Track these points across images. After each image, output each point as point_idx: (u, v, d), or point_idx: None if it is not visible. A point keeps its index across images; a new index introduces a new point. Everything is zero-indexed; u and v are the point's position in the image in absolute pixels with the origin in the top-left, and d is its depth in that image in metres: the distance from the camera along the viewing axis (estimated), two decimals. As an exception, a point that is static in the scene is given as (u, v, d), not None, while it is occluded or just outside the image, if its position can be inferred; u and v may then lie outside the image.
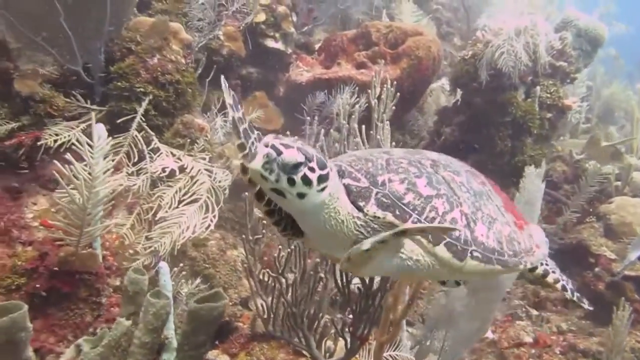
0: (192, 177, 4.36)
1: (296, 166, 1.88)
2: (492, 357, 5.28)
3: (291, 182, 1.91)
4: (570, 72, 7.32)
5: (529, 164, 6.47)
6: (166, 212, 4.07)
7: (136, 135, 4.43)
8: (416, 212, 2.05)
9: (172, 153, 4.47)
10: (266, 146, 1.88)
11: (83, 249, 3.35)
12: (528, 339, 5.53)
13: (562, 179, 7.76)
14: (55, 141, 4.07)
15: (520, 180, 6.39)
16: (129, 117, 4.52)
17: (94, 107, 4.53)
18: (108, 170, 3.18)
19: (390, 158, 2.21)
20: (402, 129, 7.23)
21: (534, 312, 6.11)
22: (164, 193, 4.21)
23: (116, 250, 3.95)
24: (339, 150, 3.81)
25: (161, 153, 4.43)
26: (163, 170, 4.30)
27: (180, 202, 4.19)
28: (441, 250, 2.07)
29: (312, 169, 1.92)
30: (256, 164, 1.87)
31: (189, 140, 4.64)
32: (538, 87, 6.86)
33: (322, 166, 1.96)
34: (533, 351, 5.27)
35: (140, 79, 4.55)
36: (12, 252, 3.75)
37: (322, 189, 1.96)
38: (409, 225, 1.96)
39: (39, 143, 4.09)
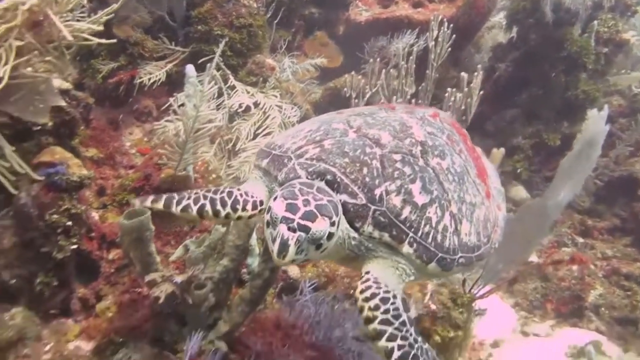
0: (264, 113, 4.90)
1: (324, 233, 1.84)
2: (535, 278, 5.71)
3: (319, 247, 1.88)
4: (631, 5, 7.27)
5: (582, 99, 6.67)
6: (244, 143, 4.65)
7: (215, 74, 4.97)
8: (412, 229, 2.05)
9: (246, 90, 5.01)
10: (292, 230, 1.79)
11: (180, 172, 3.99)
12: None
13: (618, 112, 7.83)
14: (149, 79, 4.67)
15: (573, 115, 6.60)
16: (208, 57, 5.06)
17: (178, 48, 5.10)
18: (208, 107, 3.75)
19: (383, 154, 2.14)
20: (457, 65, 7.47)
21: (580, 240, 6.43)
22: (241, 126, 4.79)
23: (202, 174, 4.60)
24: (397, 87, 4.22)
25: (237, 90, 4.97)
26: (239, 105, 4.86)
27: (255, 134, 4.76)
28: (433, 267, 2.11)
29: (334, 223, 1.89)
30: (291, 256, 1.80)
31: (260, 78, 5.16)
32: (595, 22, 6.90)
33: (337, 210, 1.94)
34: (576, 274, 5.62)
35: (218, 23, 5.06)
36: (117, 174, 4.46)
37: (338, 232, 1.96)
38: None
39: (134, 81, 4.72)
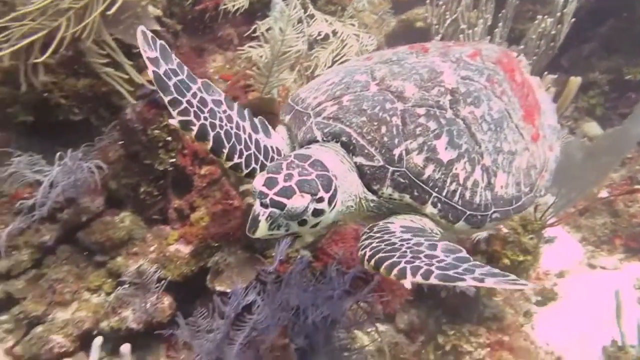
0: (342, 41, 5.00)
1: (304, 209, 1.74)
2: (605, 214, 5.70)
3: (303, 223, 1.78)
4: None
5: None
6: (322, 70, 4.79)
7: (295, 3, 5.07)
8: (436, 189, 1.93)
9: (325, 19, 5.10)
10: (264, 205, 1.71)
11: (265, 95, 4.20)
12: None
13: None
14: (234, 6, 4.84)
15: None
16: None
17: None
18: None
19: (405, 109, 1.99)
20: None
21: (654, 176, 6.30)
22: (320, 54, 4.92)
23: (283, 99, 4.81)
24: (474, 18, 4.17)
25: (316, 19, 5.07)
26: (318, 33, 4.97)
27: (333, 62, 4.89)
28: (460, 226, 1.99)
29: (320, 199, 1.77)
30: (261, 232, 1.72)
31: (339, 7, 5.22)
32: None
33: (329, 185, 1.80)
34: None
35: (298, -49, 5.10)
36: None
37: (334, 206, 1.84)
38: (490, 283, 1.49)
39: (219, 9, 4.89)
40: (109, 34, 3.52)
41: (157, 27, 4.13)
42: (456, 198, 1.95)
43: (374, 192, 1.95)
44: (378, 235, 1.83)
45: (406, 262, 1.62)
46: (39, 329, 3.31)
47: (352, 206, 1.94)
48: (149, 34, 1.85)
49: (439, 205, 1.93)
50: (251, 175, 2.04)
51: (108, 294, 3.56)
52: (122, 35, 3.72)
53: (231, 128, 2.00)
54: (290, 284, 3.20)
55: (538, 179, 2.24)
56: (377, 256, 1.70)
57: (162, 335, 3.39)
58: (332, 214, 1.83)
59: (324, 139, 1.98)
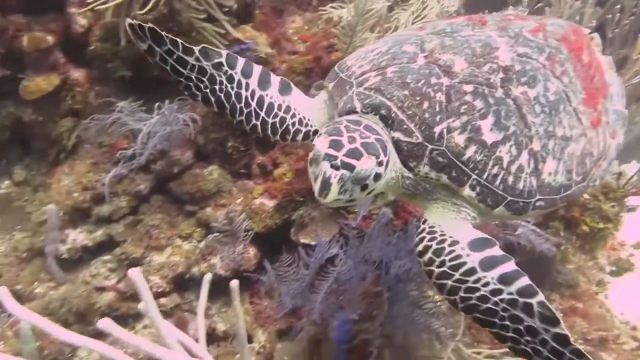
0: (423, 2, 4.96)
1: (370, 172, 1.73)
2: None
3: (364, 188, 1.76)
4: None
5: None
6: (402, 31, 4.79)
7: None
8: (476, 171, 1.85)
9: (405, -21, 5.06)
10: (335, 167, 1.68)
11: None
12: None
13: None
14: (315, -32, 4.88)
15: None
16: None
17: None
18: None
19: (451, 85, 1.90)
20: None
21: None
22: (400, 15, 4.90)
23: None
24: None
25: (396, -21, 5.04)
26: (399, -6, 4.95)
27: (413, 23, 4.87)
28: (499, 211, 1.91)
29: (381, 163, 1.76)
30: (333, 195, 1.70)
31: (420, -33, 5.16)
32: None
33: (385, 149, 1.80)
34: None
35: None
36: (282, 59, 4.82)
37: (387, 172, 1.83)
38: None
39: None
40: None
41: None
42: (497, 182, 1.86)
43: (410, 170, 1.89)
44: (448, 258, 1.80)
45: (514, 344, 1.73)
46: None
47: (393, 178, 1.90)
48: (136, 25, 1.92)
49: (477, 188, 1.86)
50: (253, 130, 2.08)
51: (198, 241, 3.79)
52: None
53: (232, 88, 2.05)
54: (373, 238, 3.31)
55: (593, 167, 2.11)
56: (473, 312, 1.75)
57: (246, 283, 3.61)
58: (383, 181, 1.81)
59: (363, 110, 1.92)
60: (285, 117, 2.12)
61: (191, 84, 2.03)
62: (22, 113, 4.02)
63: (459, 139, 1.84)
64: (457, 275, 1.76)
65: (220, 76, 2.05)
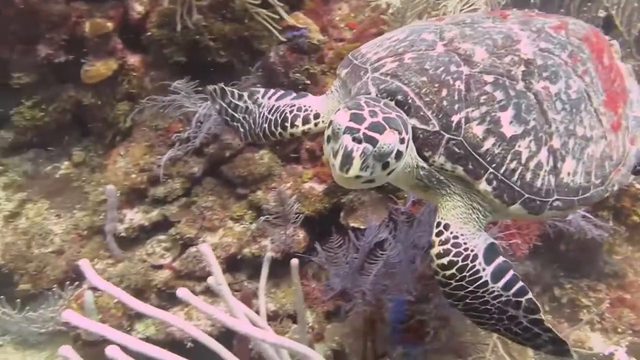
0: (472, -11, 4.93)
1: (392, 149, 1.66)
2: None
3: (386, 166, 1.69)
4: None
5: None
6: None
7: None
8: (494, 164, 1.79)
9: (454, -34, 5.04)
10: (357, 140, 1.62)
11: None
12: None
13: None
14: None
15: None
16: None
17: None
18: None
19: (471, 75, 1.84)
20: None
21: None
22: (448, 2, 4.89)
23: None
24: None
25: (445, -34, 5.02)
26: (448, -18, 4.93)
27: (460, 11, 4.85)
28: (516, 209, 1.85)
29: (403, 140, 1.70)
30: (355, 170, 1.63)
31: (469, -46, 5.13)
32: None
33: (406, 127, 1.74)
34: None
35: None
36: (329, 46, 4.86)
37: (407, 153, 1.76)
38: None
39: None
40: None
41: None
42: (515, 178, 1.81)
43: (424, 160, 1.83)
44: (468, 274, 1.83)
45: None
46: (192, 249, 3.71)
47: (409, 165, 1.83)
48: (210, 90, 2.44)
49: (494, 182, 1.80)
50: (265, 135, 2.29)
51: (250, 223, 3.90)
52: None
53: (244, 119, 2.38)
54: (422, 222, 3.36)
55: (612, 172, 2.05)
56: (468, 310, 1.88)
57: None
58: (402, 162, 1.75)
59: (379, 95, 1.85)
60: (285, 109, 2.22)
61: (238, 124, 2.42)
62: (82, 97, 4.17)
63: (477, 129, 1.79)
64: (471, 288, 1.82)
65: (256, 108, 2.34)
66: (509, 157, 1.80)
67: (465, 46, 1.91)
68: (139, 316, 3.62)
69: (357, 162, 1.61)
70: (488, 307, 1.85)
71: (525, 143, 1.81)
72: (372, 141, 1.61)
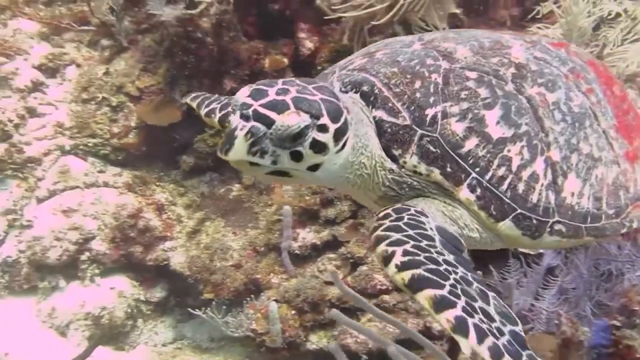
0: (633, 19, 4.88)
1: (301, 134, 1.38)
2: None
3: (297, 156, 1.41)
4: None
5: None
6: (611, 49, 4.75)
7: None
8: (477, 168, 1.50)
9: (613, -2, 5.02)
10: (245, 118, 1.36)
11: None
12: None
13: None
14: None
15: None
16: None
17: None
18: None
19: (451, 69, 1.58)
20: None
21: None
22: (608, 33, 4.87)
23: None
24: None
25: (603, -2, 5.02)
26: (608, 13, 4.92)
27: (622, 41, 4.81)
28: (507, 227, 1.54)
29: (323, 128, 1.41)
30: (237, 153, 1.35)
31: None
32: None
33: (336, 114, 1.44)
34: None
35: None
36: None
37: (343, 146, 1.47)
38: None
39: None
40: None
41: (456, 10, 4.52)
42: (504, 187, 1.52)
43: (393, 160, 1.55)
44: (408, 223, 1.41)
45: (465, 312, 1.23)
46: (363, 267, 3.92)
47: (365, 165, 1.55)
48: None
49: (478, 190, 1.51)
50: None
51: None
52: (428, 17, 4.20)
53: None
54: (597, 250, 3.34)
55: (630, 205, 1.77)
56: (415, 272, 1.28)
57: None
58: (339, 158, 1.48)
59: (342, 89, 1.62)
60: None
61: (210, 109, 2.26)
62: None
63: (457, 126, 1.52)
64: (409, 232, 1.39)
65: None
66: (496, 162, 1.52)
67: (447, 45, 1.69)
68: (313, 328, 3.86)
69: (239, 143, 1.35)
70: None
71: (516, 148, 1.54)
72: (265, 120, 1.35)
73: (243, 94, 1.42)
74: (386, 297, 3.84)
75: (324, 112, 1.41)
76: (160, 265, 4.55)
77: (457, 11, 4.50)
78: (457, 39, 1.73)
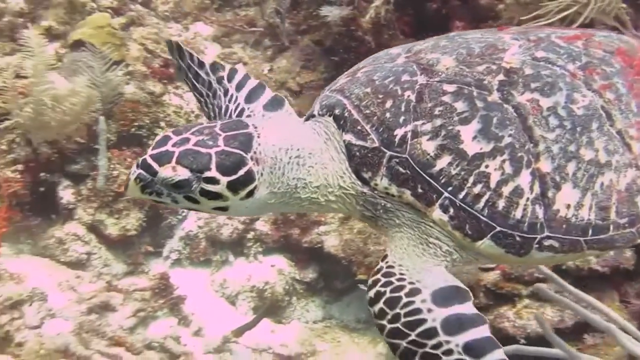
0: None
1: (181, 185, 1.48)
2: None
3: (192, 200, 1.52)
4: None
5: None
6: None
7: None
8: (450, 187, 1.48)
9: None
10: (137, 165, 1.50)
11: None
12: None
13: None
14: None
15: None
16: None
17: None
18: None
19: (427, 84, 1.56)
20: None
21: None
22: None
23: None
24: None
25: None
26: None
27: None
28: (487, 246, 1.50)
29: (211, 180, 1.48)
30: (132, 192, 1.53)
31: None
32: None
33: (231, 167, 1.49)
34: None
35: None
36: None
37: (248, 194, 1.53)
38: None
39: None
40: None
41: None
42: (480, 205, 1.48)
43: (365, 183, 1.57)
44: (403, 312, 1.46)
45: None
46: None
47: (319, 200, 1.62)
48: (174, 42, 2.11)
49: (451, 210, 1.48)
50: None
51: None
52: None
53: (207, 95, 2.09)
54: None
55: None
56: None
57: (614, 283, 3.79)
58: (254, 202, 1.55)
59: (320, 112, 1.68)
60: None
61: (202, 99, 2.12)
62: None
63: (428, 145, 1.50)
64: (412, 336, 1.43)
65: (219, 90, 2.06)
66: (471, 180, 1.49)
67: (431, 56, 1.67)
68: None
69: (132, 185, 1.51)
70: None
71: (495, 163, 1.49)
72: (150, 170, 1.48)
73: (156, 140, 1.56)
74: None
75: (212, 166, 1.47)
76: (315, 248, 4.88)
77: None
78: (447, 46, 1.70)
